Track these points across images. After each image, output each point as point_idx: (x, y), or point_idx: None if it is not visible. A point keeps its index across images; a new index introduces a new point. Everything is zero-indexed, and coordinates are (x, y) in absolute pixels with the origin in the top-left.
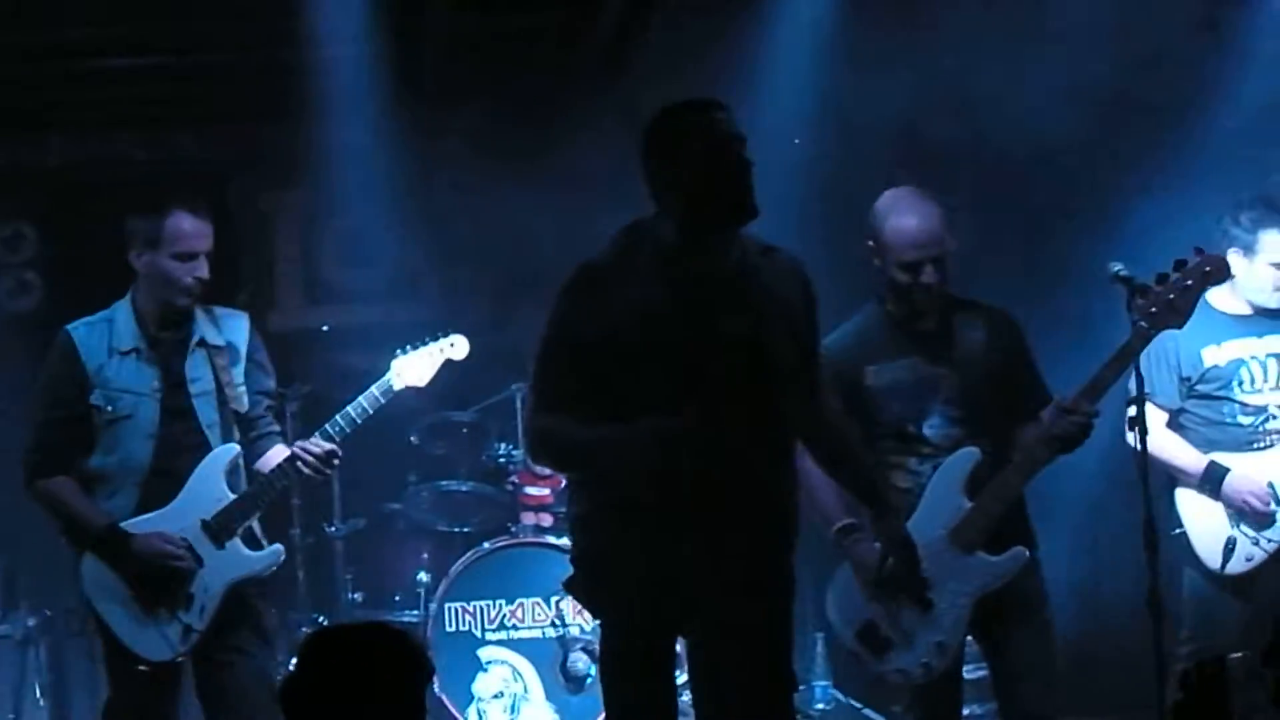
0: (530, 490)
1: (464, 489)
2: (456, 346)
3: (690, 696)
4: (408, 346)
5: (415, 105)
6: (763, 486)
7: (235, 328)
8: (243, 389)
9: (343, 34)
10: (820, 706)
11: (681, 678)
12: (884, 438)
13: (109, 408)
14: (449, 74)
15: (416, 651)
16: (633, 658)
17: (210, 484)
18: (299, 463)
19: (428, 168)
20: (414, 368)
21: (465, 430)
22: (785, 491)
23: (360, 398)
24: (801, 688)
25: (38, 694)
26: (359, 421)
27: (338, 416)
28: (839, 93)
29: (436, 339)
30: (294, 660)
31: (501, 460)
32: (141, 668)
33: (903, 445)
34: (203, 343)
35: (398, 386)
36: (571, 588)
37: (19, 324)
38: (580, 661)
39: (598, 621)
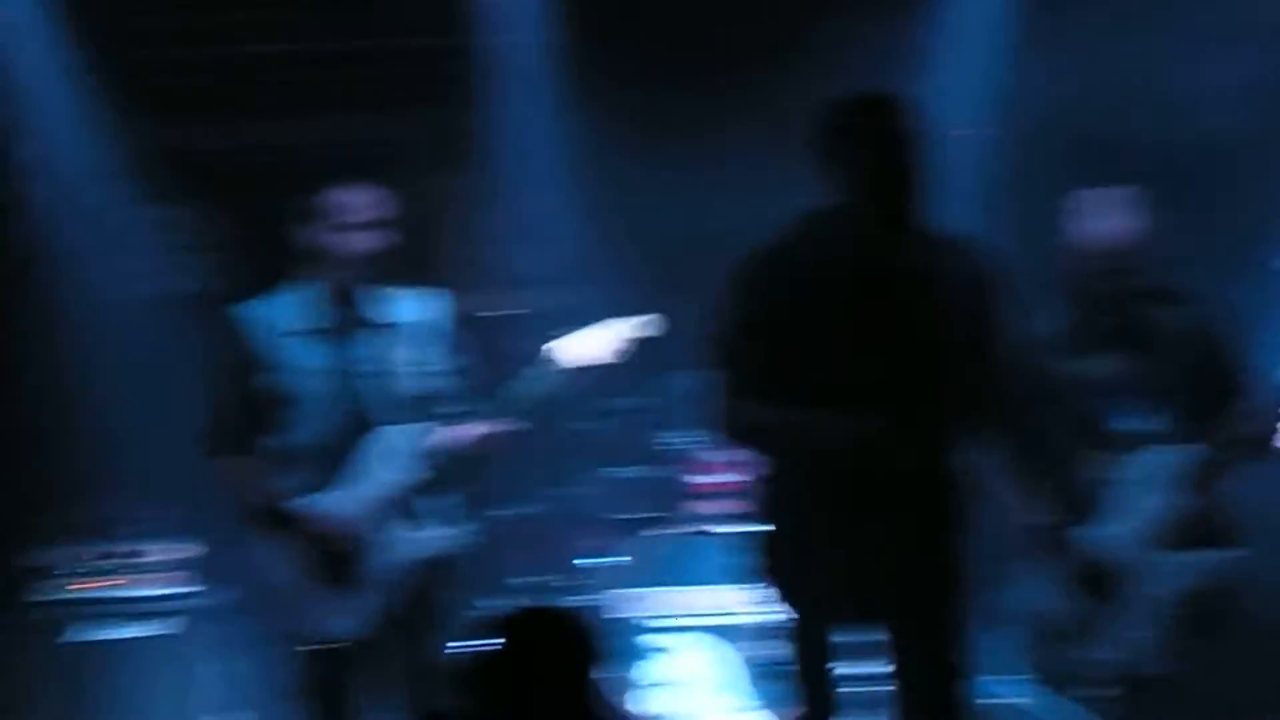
0: (698, 478)
1: (633, 475)
2: (639, 324)
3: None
4: (585, 324)
5: (585, 89)
6: (940, 475)
7: (416, 307)
8: (420, 367)
9: (516, 19)
10: (1014, 698)
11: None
12: (1080, 432)
13: (284, 387)
14: (619, 58)
15: (589, 635)
16: (810, 642)
17: (386, 463)
18: (476, 440)
19: (597, 152)
20: (583, 344)
21: (632, 417)
22: (963, 480)
23: (536, 375)
24: (993, 678)
25: (223, 668)
26: (534, 400)
27: (513, 394)
28: (1011, 83)
29: (617, 316)
30: (467, 641)
31: (668, 447)
32: (321, 645)
33: (1099, 440)
34: (376, 321)
35: (576, 364)
36: (756, 574)
37: (197, 304)
38: (753, 649)
39: (769, 610)
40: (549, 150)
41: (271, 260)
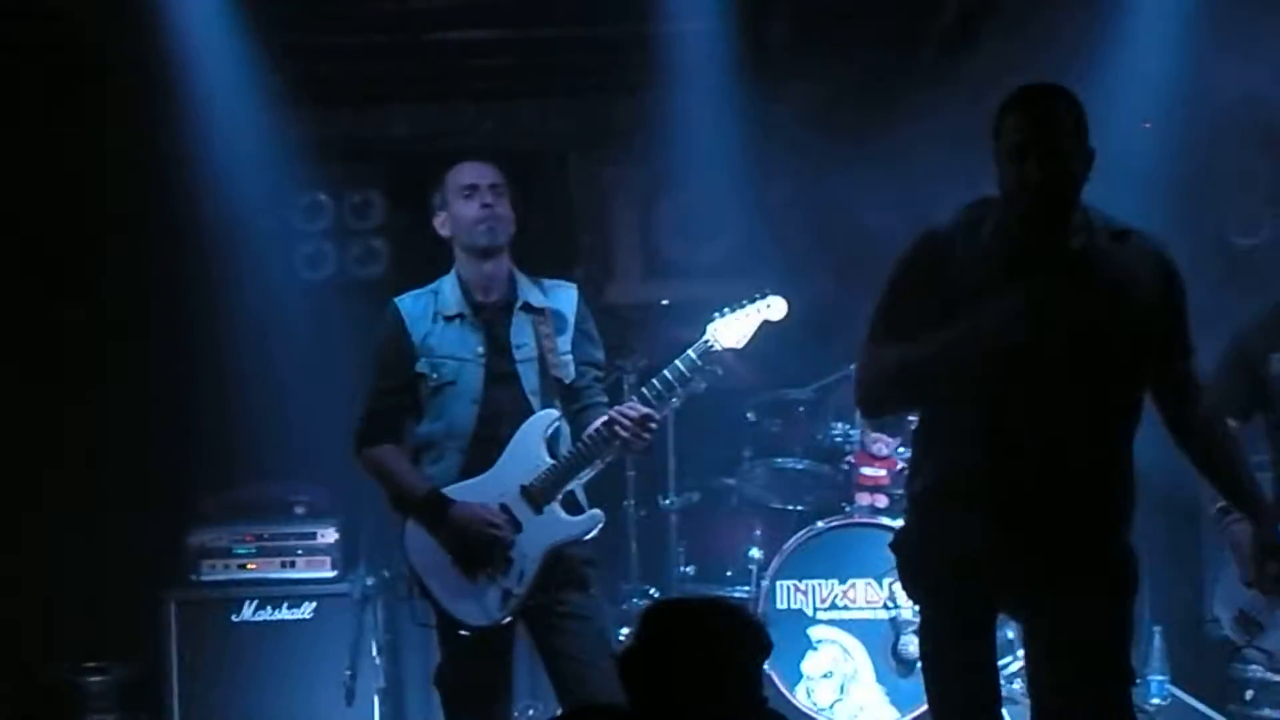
0: (866, 470)
1: (799, 467)
2: (774, 307)
3: (1023, 685)
4: (725, 309)
5: (757, 81)
6: (1093, 472)
7: (563, 297)
8: (568, 357)
9: (692, 9)
10: (1156, 702)
11: (1016, 664)
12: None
13: (434, 374)
14: (792, 50)
15: (756, 628)
16: (949, 643)
17: (530, 449)
18: (616, 426)
19: (766, 143)
20: (730, 329)
21: (802, 408)
22: (1119, 477)
23: (676, 361)
24: (1137, 682)
25: (374, 652)
26: (677, 386)
27: (654, 380)
28: (1198, 75)
29: (754, 300)
30: (629, 630)
31: (838, 439)
32: (464, 633)
33: None
34: (527, 307)
35: (715, 348)
36: (910, 568)
37: (368, 291)
38: (912, 644)
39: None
40: (719, 140)
41: (446, 247)
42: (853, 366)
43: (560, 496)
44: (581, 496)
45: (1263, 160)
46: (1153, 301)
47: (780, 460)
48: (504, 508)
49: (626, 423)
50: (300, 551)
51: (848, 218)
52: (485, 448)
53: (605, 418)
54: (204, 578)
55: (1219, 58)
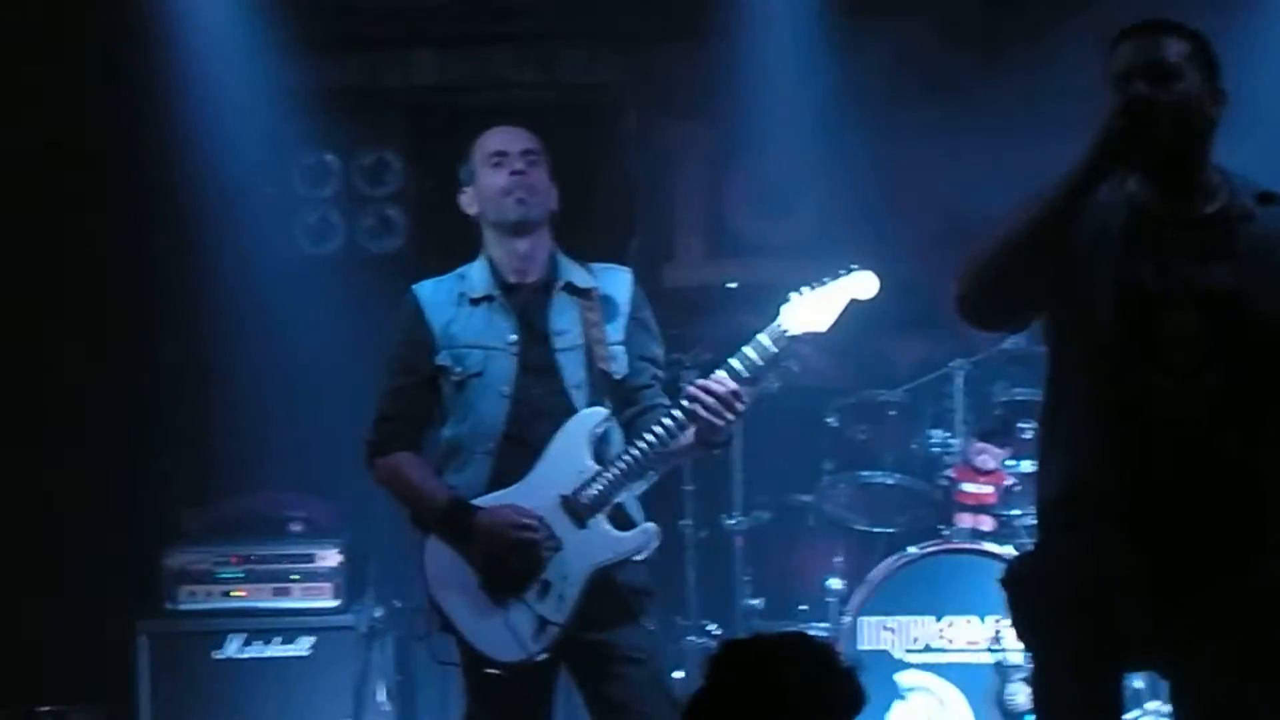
0: (968, 487)
1: (889, 482)
2: (863, 283)
3: None
4: (803, 287)
5: (843, 27)
6: (1245, 477)
7: (615, 280)
8: (619, 348)
9: None
10: None
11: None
12: None
13: (457, 366)
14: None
15: (847, 677)
16: (1068, 696)
17: (572, 453)
18: (698, 404)
19: (852, 104)
20: (810, 311)
21: (893, 412)
22: (1275, 490)
23: (745, 348)
24: None
25: (382, 696)
26: (746, 375)
27: (730, 361)
28: None
29: (838, 276)
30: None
31: (935, 450)
32: (491, 670)
33: None
34: (570, 288)
35: (791, 334)
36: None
37: (382, 267)
38: (1020, 694)
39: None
40: (799, 97)
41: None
42: (954, 364)
43: (608, 509)
44: (635, 510)
45: None
46: None
47: (867, 474)
48: (541, 520)
49: (710, 400)
50: (296, 577)
51: (942, 189)
52: (519, 452)
53: (685, 393)
54: (182, 606)
55: None
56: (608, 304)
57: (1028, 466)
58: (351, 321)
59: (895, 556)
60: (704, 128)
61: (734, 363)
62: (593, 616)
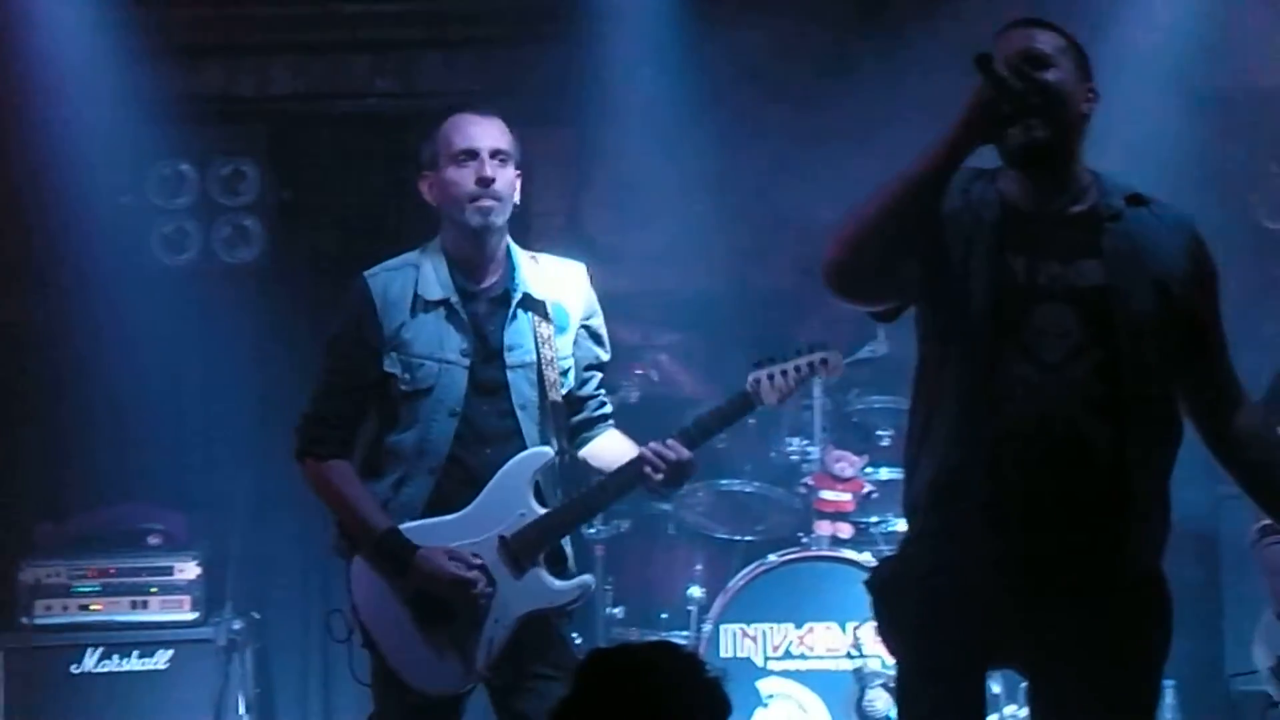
0: (827, 495)
1: (748, 490)
2: (830, 364)
3: None
4: (771, 361)
5: (702, 32)
6: (1112, 473)
7: (565, 281)
8: (569, 362)
9: None
10: None
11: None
12: None
13: (406, 375)
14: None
15: (713, 685)
16: (931, 700)
17: (515, 492)
18: (648, 468)
19: (717, 109)
20: (778, 390)
21: (752, 420)
22: (1151, 489)
23: (709, 412)
24: None
25: (241, 709)
26: (698, 441)
27: (696, 420)
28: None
29: (803, 354)
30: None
31: (794, 458)
32: (410, 697)
33: None
34: (528, 301)
35: (756, 406)
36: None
37: (238, 279)
38: (879, 700)
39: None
40: (662, 103)
41: (333, 228)
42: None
43: (543, 555)
44: (571, 551)
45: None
46: (1176, 276)
47: (726, 482)
48: (478, 559)
49: (662, 465)
50: (154, 589)
51: (807, 199)
52: (461, 475)
53: (635, 456)
54: (38, 621)
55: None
56: (559, 315)
57: (886, 473)
58: (208, 332)
59: (755, 564)
60: (561, 135)
61: (691, 430)
62: (518, 650)
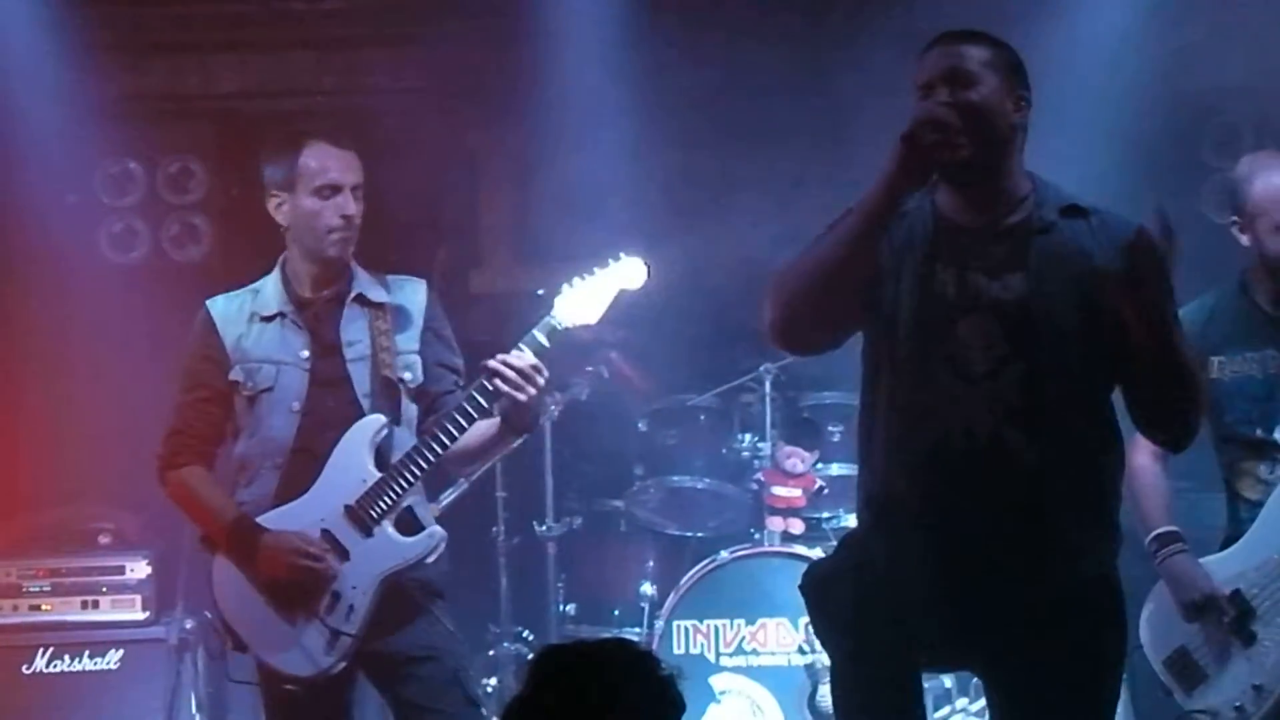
0: (778, 491)
1: (699, 486)
2: (629, 271)
3: None
4: (573, 279)
5: (655, 30)
6: (1035, 482)
7: (409, 293)
8: (413, 357)
9: None
10: None
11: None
12: (1228, 440)
13: (249, 381)
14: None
15: (666, 682)
16: (869, 695)
17: (354, 461)
18: (497, 379)
19: (663, 107)
20: (581, 302)
21: (702, 417)
22: (1083, 489)
23: (521, 343)
24: None
25: (193, 709)
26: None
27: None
28: (1165, 33)
29: (605, 265)
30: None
31: (745, 454)
32: (289, 687)
33: (1251, 451)
34: (361, 299)
35: (561, 327)
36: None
37: (186, 276)
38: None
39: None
40: (609, 100)
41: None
42: (764, 369)
43: (393, 516)
44: (423, 513)
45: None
46: (1107, 284)
47: (677, 478)
48: (326, 534)
49: (510, 373)
50: (105, 589)
51: (757, 199)
52: (305, 465)
53: (483, 371)
54: None
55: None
56: (400, 314)
57: (837, 469)
58: (157, 330)
59: (707, 560)
60: (510, 132)
61: (522, 345)
62: (385, 624)
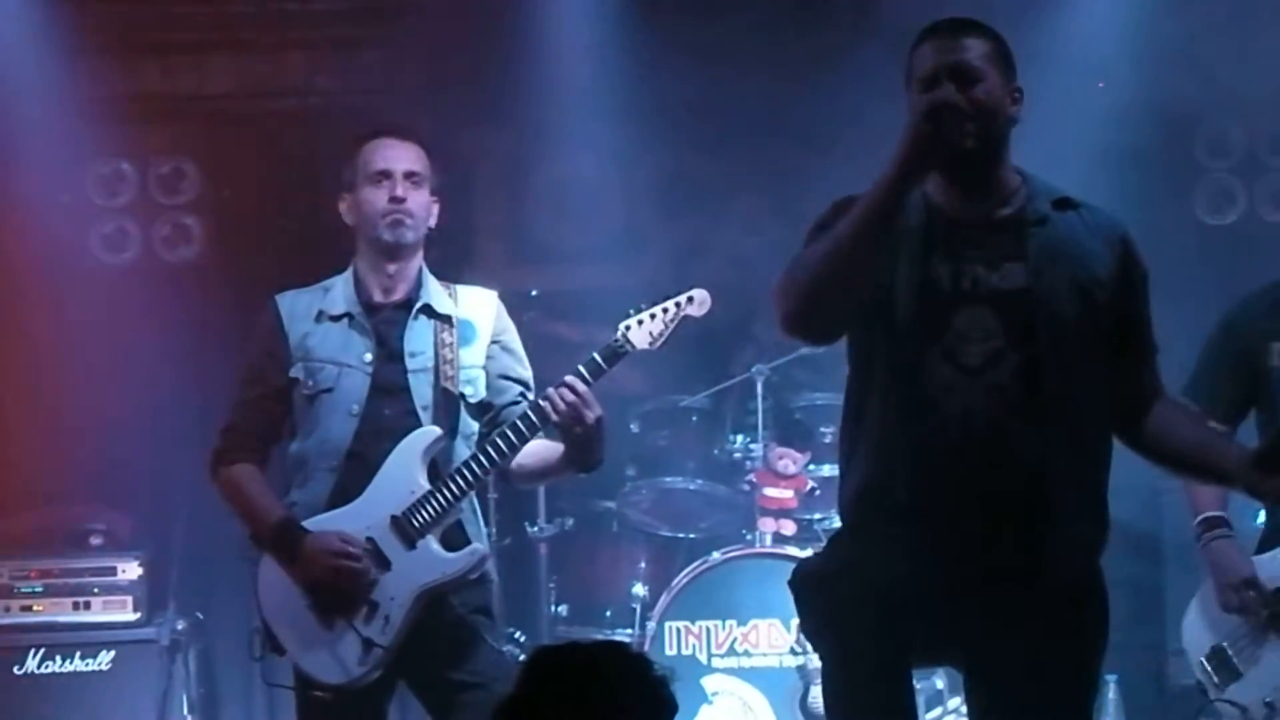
0: (770, 492)
1: (691, 487)
2: (696, 302)
3: None
4: (641, 305)
5: (647, 31)
6: (1034, 475)
7: (477, 303)
8: (476, 372)
9: None
10: None
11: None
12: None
13: (309, 380)
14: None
15: (659, 684)
16: (860, 695)
17: (405, 472)
18: (549, 404)
19: (658, 107)
20: (648, 331)
21: (695, 418)
22: (1078, 485)
23: (581, 366)
24: None
25: (185, 709)
26: (591, 383)
27: (575, 371)
28: (1155, 30)
29: (672, 295)
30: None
31: (737, 455)
32: (319, 694)
33: None
34: (429, 310)
35: (626, 351)
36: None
37: (178, 277)
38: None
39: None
40: (604, 101)
41: (272, 226)
42: (755, 369)
43: (439, 529)
44: (474, 530)
45: (1236, 128)
46: (1101, 279)
47: (669, 480)
48: (370, 542)
49: (562, 405)
50: (96, 590)
51: (747, 198)
52: (360, 470)
53: (541, 396)
54: None
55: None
56: (466, 328)
57: (829, 470)
58: (149, 331)
59: (699, 562)
60: (504, 132)
61: (581, 370)
62: (431, 648)
